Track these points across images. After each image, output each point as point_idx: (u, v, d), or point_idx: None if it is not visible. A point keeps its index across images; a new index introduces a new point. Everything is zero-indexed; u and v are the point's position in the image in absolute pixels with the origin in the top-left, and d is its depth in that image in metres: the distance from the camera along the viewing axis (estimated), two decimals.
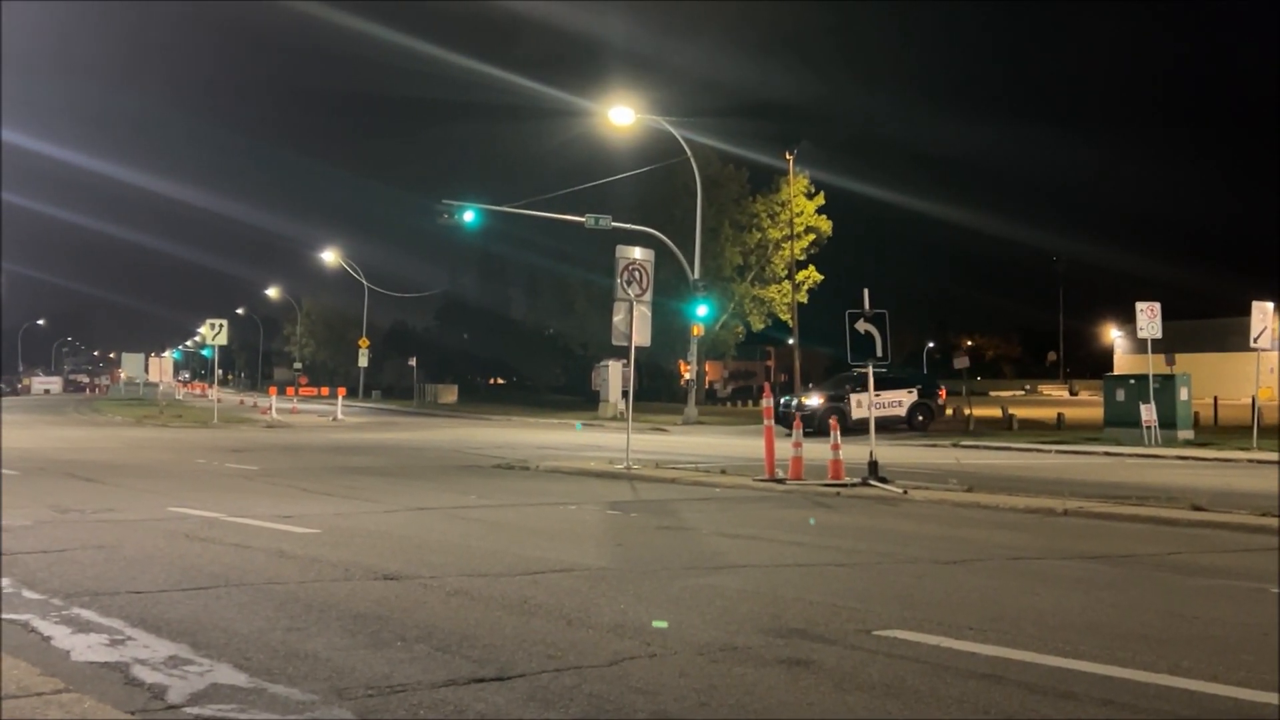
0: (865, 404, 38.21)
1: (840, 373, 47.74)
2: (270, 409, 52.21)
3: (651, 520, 13.68)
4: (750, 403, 77.20)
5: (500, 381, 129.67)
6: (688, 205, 51.79)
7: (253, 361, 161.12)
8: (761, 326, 60.32)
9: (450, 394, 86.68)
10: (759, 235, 58.29)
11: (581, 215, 44.08)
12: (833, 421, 19.29)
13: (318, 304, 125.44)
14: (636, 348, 21.95)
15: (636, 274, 21.92)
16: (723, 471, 20.29)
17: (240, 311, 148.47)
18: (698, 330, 46.56)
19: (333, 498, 16.08)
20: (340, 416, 52.05)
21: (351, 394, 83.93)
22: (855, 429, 37.69)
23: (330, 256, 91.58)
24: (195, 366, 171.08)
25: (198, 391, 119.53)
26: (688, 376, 48.77)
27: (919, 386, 40.61)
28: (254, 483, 18.69)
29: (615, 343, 22.27)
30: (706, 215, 50.67)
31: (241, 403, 76.09)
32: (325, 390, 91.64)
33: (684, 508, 15.16)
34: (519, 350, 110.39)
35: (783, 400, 42.03)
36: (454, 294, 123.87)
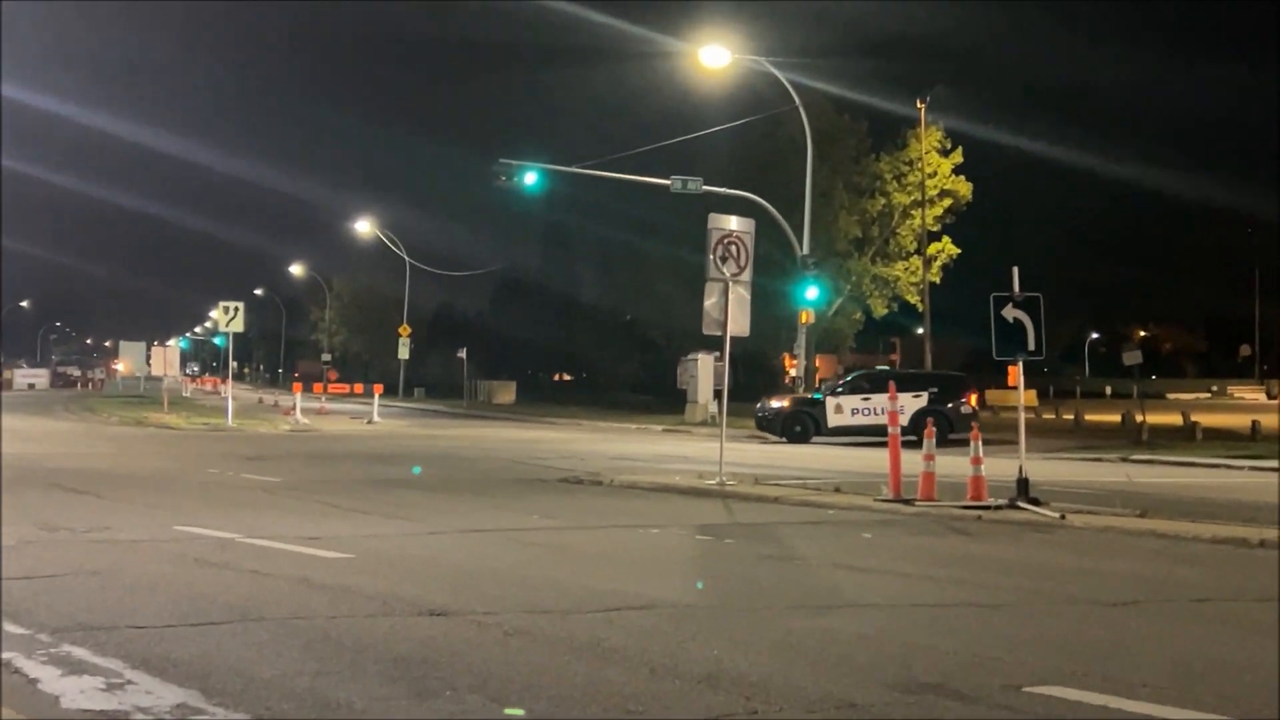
0: (847, 409, 38.98)
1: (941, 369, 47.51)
2: (294, 409, 52.88)
3: (750, 547, 13.71)
4: None
5: (567, 378, 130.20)
6: (795, 165, 51.39)
7: (274, 352, 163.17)
8: (884, 312, 59.80)
9: (507, 392, 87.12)
10: (882, 201, 57.78)
11: (666, 178, 43.98)
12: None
13: (351, 284, 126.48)
14: (732, 338, 21.91)
15: (733, 248, 21.89)
16: (837, 489, 20.25)
17: (259, 293, 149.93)
18: (806, 317, 46.15)
19: (368, 516, 16.33)
20: (377, 419, 52.62)
21: (390, 391, 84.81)
22: (838, 435, 38.79)
23: (365, 228, 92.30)
24: (206, 358, 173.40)
25: (209, 387, 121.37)
26: (794, 374, 48.36)
27: (934, 389, 39.32)
28: (275, 497, 18.96)
29: (706, 331, 22.28)
30: (818, 177, 50.24)
31: (260, 401, 77.19)
32: (359, 387, 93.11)
33: (790, 533, 15.16)
34: (590, 341, 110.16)
35: (758, 405, 42.21)
36: (512, 273, 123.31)
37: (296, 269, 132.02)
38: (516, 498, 19.39)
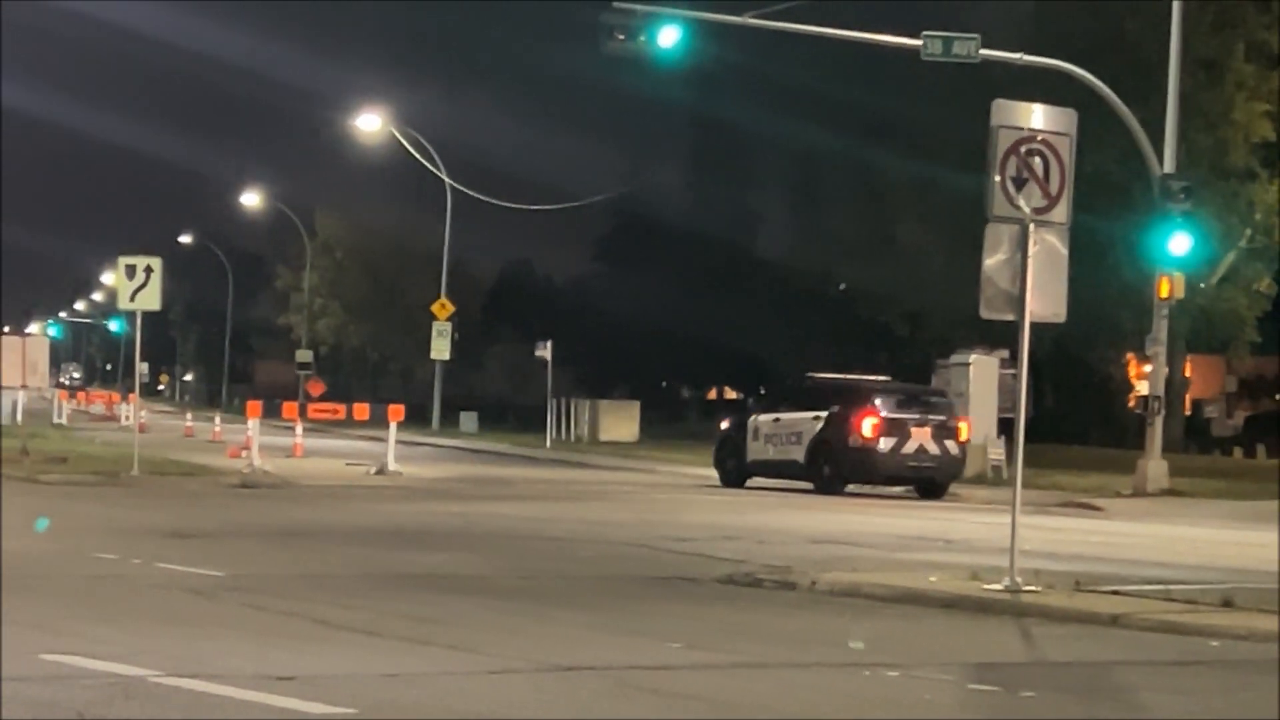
0: (763, 434, 31.23)
1: None
2: (250, 445, 40.51)
3: (1069, 708, 10.28)
4: None
5: (731, 396, 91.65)
6: (1147, 19, 37.82)
7: (213, 345, 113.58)
8: None
9: (625, 419, 62.72)
10: None
11: (914, 36, 30.48)
12: None
13: (347, 227, 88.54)
14: (1035, 323, 15.53)
15: (1037, 162, 15.36)
16: (1226, 602, 15.10)
17: (186, 241, 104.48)
18: (1170, 287, 31.29)
19: (381, 640, 12.18)
20: (393, 465, 40.15)
21: (417, 416, 56.97)
22: (759, 474, 31.53)
23: (374, 126, 62.06)
24: (95, 355, 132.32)
25: (99, 406, 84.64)
26: (1144, 389, 36.36)
27: (835, 407, 29.72)
28: (217, 603, 14.52)
29: (986, 313, 15.60)
30: (1193, 35, 35.45)
31: (189, 432, 61.58)
32: (362, 409, 56.56)
33: (1141, 682, 11.36)
34: (773, 330, 74.37)
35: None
36: (633, 210, 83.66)
37: (252, 198, 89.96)
38: (642, 611, 14.85)
